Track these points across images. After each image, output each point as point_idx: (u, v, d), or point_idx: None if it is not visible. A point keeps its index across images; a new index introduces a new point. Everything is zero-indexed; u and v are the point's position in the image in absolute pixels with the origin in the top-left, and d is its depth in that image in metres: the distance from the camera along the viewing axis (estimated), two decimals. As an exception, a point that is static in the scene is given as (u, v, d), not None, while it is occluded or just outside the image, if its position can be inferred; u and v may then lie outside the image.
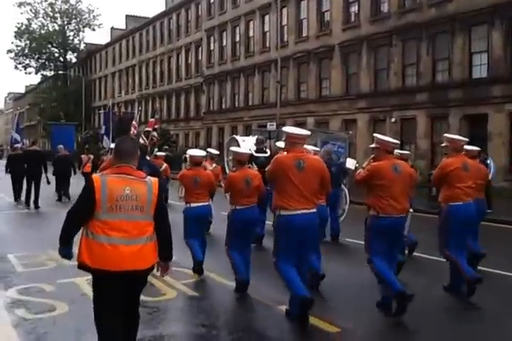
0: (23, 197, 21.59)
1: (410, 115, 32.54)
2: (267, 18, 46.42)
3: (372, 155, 8.19)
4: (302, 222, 7.22)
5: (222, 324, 7.66)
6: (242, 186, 8.88)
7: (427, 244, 11.29)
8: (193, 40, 59.42)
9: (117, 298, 5.25)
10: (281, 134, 9.59)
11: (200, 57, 58.37)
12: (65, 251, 5.38)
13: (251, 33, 48.90)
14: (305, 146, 8.07)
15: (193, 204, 10.07)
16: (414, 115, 32.27)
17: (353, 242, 13.24)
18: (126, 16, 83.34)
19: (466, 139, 9.34)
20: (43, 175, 20.82)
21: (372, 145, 8.21)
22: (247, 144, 20.14)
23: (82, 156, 26.73)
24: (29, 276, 9.95)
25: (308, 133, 7.73)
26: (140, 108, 67.56)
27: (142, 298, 5.78)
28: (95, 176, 5.23)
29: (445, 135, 9.56)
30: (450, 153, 9.01)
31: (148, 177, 5.36)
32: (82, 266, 5.17)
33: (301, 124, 39.69)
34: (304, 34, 41.81)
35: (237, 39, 50.97)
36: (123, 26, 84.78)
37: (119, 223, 5.08)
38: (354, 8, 37.15)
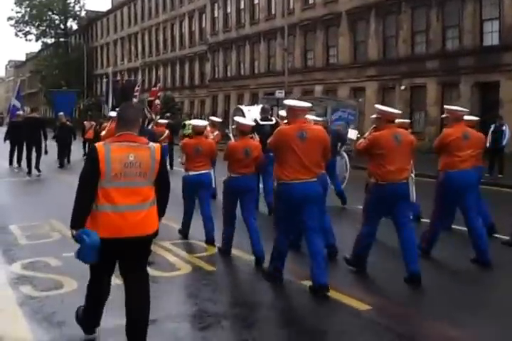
0: (21, 164, 22.04)
1: (420, 83, 32.26)
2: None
3: (374, 125, 8.32)
4: (303, 190, 7.22)
5: (243, 301, 7.23)
6: (240, 156, 8.96)
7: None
8: (196, 7, 58.51)
9: (114, 264, 5.34)
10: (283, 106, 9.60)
11: (204, 25, 57.68)
12: (82, 235, 5.00)
13: (256, 0, 48.18)
14: (309, 117, 8.41)
15: (191, 173, 10.19)
16: (424, 83, 31.99)
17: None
18: None
19: (466, 109, 9.54)
20: (43, 142, 20.99)
21: (374, 116, 8.40)
22: (252, 113, 20.26)
23: (85, 123, 26.79)
24: (33, 249, 9.50)
25: (310, 105, 7.72)
26: (144, 76, 67.36)
27: (155, 273, 5.92)
28: (99, 145, 5.16)
29: (445, 106, 9.81)
30: (450, 123, 9.14)
31: (151, 143, 5.34)
32: None
33: (308, 92, 39.69)
34: (311, 1, 41.26)
35: (242, 6, 50.24)
36: None
37: (124, 190, 5.07)
38: (363, -26, 36.46)
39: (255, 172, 9.44)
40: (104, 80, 40.18)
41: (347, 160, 15.79)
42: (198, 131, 10.36)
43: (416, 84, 32.64)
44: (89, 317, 5.60)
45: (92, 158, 5.11)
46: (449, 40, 31.08)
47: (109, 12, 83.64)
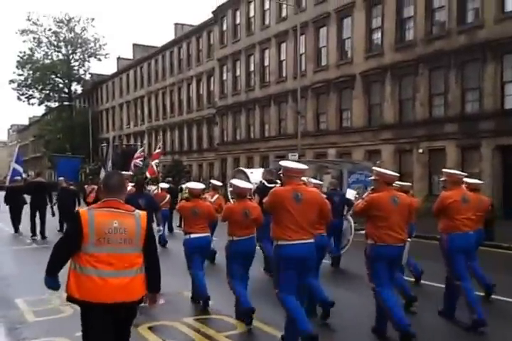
0: (23, 229, 22.53)
1: (439, 145, 31.26)
2: (283, 46, 45.18)
3: (372, 187, 8.51)
4: (299, 251, 7.36)
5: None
6: (240, 218, 9.15)
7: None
8: (204, 69, 58.12)
9: (106, 331, 5.25)
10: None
11: (212, 88, 57.19)
12: (51, 282, 5.32)
13: (266, 62, 47.65)
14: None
15: (192, 236, 10.33)
16: (443, 145, 30.99)
17: (354, 269, 13.91)
18: (134, 45, 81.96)
19: (465, 174, 9.80)
20: (48, 207, 21.56)
21: (372, 178, 8.54)
22: (255, 176, 21.17)
23: (86, 187, 26.54)
24: (42, 327, 8.59)
25: (306, 167, 7.85)
26: (150, 140, 66.91)
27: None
28: (82, 211, 5.26)
29: (443, 170, 9.83)
30: (449, 186, 9.30)
31: (137, 210, 5.43)
32: (70, 299, 5.19)
33: (321, 155, 38.78)
34: (324, 63, 40.59)
35: (252, 68, 49.70)
36: (130, 56, 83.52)
37: (107, 256, 5.11)
38: (377, 36, 35.98)
39: (254, 234, 9.58)
40: (104, 145, 39.82)
41: (352, 224, 15.78)
42: (195, 194, 10.62)
43: (434, 147, 31.63)
44: None
45: (75, 222, 5.16)
46: (469, 103, 30.19)
47: (114, 75, 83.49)
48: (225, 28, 53.85)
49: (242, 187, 9.53)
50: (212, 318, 9.29)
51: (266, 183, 13.07)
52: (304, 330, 7.18)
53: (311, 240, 7.49)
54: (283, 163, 7.85)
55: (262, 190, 11.51)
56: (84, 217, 5.12)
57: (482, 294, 10.24)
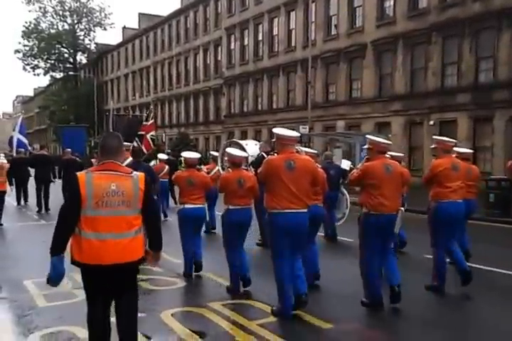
0: (28, 202, 23.13)
1: (450, 117, 30.63)
2: (292, 14, 44.18)
3: (366, 156, 8.55)
4: (292, 220, 7.45)
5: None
6: (234, 187, 9.11)
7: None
8: (211, 39, 57.26)
9: (106, 291, 5.29)
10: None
11: (219, 58, 56.31)
12: (58, 264, 5.14)
13: (275, 31, 46.66)
14: (301, 148, 8.90)
15: (187, 206, 10.23)
16: (454, 117, 30.37)
17: (348, 241, 14.11)
18: (140, 15, 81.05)
19: (454, 141, 9.75)
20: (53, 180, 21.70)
21: (366, 146, 8.59)
22: (249, 147, 21.15)
23: (92, 160, 26.35)
24: (54, 314, 7.83)
25: (298, 134, 7.92)
26: (156, 111, 66.34)
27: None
28: (80, 174, 5.20)
29: (434, 137, 10.02)
30: (439, 154, 9.37)
31: (135, 172, 5.38)
32: (73, 262, 5.16)
33: (330, 128, 37.96)
34: (333, 32, 39.65)
35: (260, 38, 48.73)
36: (135, 26, 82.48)
37: (105, 218, 5.08)
38: (389, 3, 35.03)
39: (251, 204, 9.60)
40: (107, 114, 40.90)
41: (347, 196, 15.74)
42: (190, 163, 10.53)
43: (446, 119, 30.98)
44: None
45: (73, 186, 5.11)
46: (483, 73, 29.47)
47: (119, 45, 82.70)
48: (232, -4, 52.83)
49: (236, 155, 9.49)
50: (242, 304, 8.53)
51: (264, 155, 12.98)
52: (286, 308, 7.59)
53: (304, 210, 7.57)
54: (276, 130, 7.86)
55: (258, 161, 11.59)
56: (81, 180, 5.09)
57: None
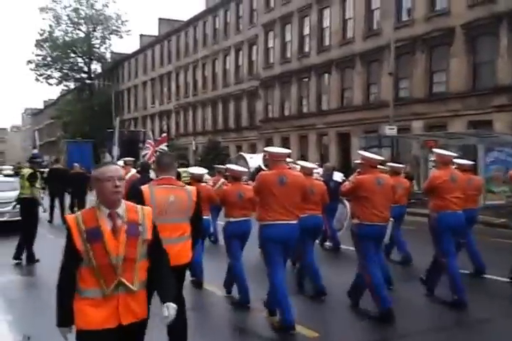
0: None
1: None
2: (348, 2, 38.04)
3: (358, 170, 8.94)
4: (281, 230, 7.89)
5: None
6: (234, 199, 9.59)
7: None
8: (245, 38, 52.12)
9: None
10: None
11: (254, 58, 51.12)
12: None
13: (326, 23, 40.62)
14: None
15: None
16: None
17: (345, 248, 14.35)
18: (159, 20, 77.79)
19: (454, 154, 10.07)
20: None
21: (357, 161, 9.32)
22: (254, 161, 22.35)
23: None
24: None
25: (289, 151, 8.42)
26: (178, 119, 62.00)
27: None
28: (144, 187, 6.26)
29: (433, 149, 10.53)
30: (438, 166, 9.68)
31: (187, 186, 6.57)
32: None
33: (404, 130, 31.10)
34: (405, 18, 33.26)
35: (307, 31, 42.70)
36: (153, 32, 79.87)
37: (166, 226, 5.74)
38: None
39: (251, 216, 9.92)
40: (110, 130, 40.55)
41: (348, 209, 14.46)
42: (197, 179, 10.97)
43: None
44: None
45: (138, 198, 5.63)
46: None
47: (137, 52, 79.22)
48: (271, -11, 47.17)
49: (236, 170, 10.13)
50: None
51: (263, 167, 13.87)
52: (286, 319, 7.77)
53: (294, 221, 7.96)
54: (267, 148, 8.58)
55: (253, 175, 13.02)
56: (146, 193, 6.16)
57: (467, 272, 10.89)
